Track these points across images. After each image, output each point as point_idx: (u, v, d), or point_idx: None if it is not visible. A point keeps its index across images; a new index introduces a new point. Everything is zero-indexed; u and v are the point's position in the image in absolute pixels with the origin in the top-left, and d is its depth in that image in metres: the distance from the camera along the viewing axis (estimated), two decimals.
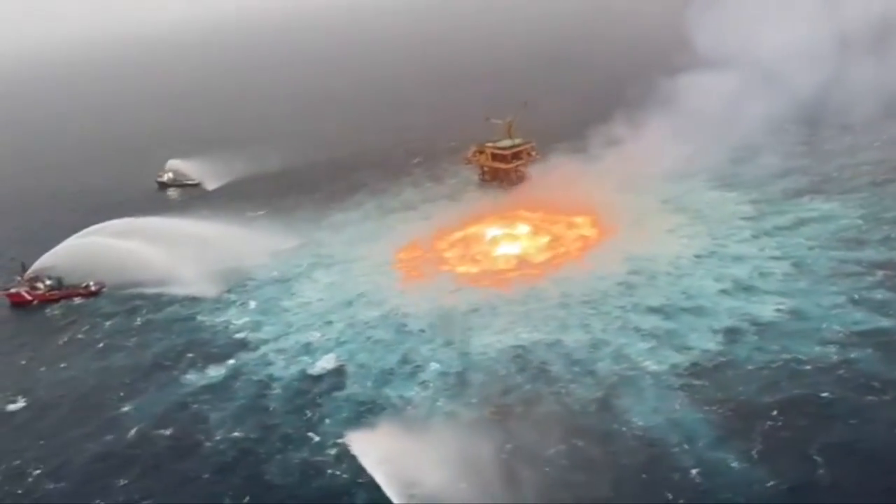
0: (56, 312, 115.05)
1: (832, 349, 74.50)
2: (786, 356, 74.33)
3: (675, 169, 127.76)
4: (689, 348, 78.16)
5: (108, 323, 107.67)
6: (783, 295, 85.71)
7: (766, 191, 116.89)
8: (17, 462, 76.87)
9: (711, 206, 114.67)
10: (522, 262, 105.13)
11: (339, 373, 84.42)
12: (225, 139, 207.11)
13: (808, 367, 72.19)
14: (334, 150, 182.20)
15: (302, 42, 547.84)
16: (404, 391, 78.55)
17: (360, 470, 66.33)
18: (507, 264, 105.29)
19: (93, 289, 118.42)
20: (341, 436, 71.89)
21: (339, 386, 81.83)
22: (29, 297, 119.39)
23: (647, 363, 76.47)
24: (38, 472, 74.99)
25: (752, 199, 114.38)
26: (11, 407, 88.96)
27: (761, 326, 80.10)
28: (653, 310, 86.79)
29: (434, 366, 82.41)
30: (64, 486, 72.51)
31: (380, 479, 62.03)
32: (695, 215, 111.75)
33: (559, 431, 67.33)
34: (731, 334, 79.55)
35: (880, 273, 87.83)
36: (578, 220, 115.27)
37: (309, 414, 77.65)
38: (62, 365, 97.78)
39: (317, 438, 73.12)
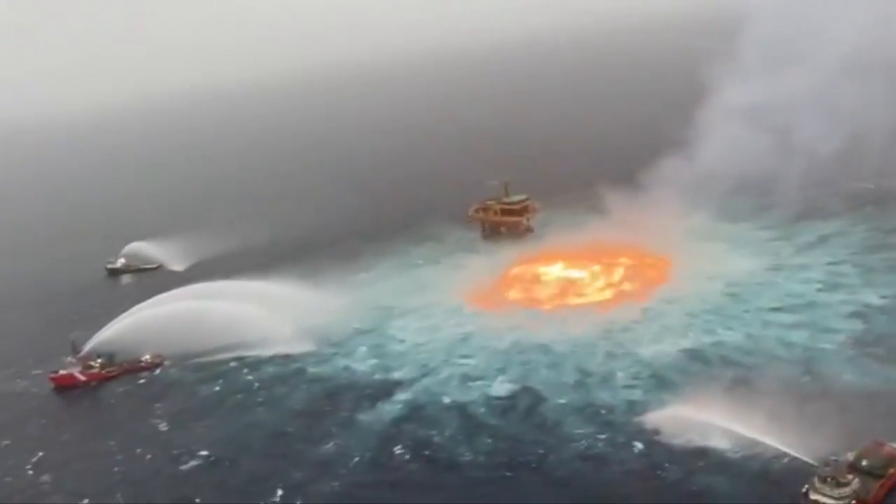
0: (127, 388, 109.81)
1: None
2: None
3: (671, 212, 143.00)
4: (837, 331, 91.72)
5: (204, 389, 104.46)
6: (871, 286, 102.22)
7: (767, 220, 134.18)
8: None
9: (735, 234, 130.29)
10: (616, 291, 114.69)
11: (527, 392, 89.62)
12: (196, 218, 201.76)
13: None
14: (300, 228, 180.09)
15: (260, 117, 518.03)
16: (615, 394, 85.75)
17: (658, 448, 73.71)
18: (601, 295, 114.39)
19: (153, 362, 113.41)
20: (601, 431, 78.09)
21: (541, 399, 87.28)
22: (83, 378, 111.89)
23: (817, 344, 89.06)
24: None
25: (763, 226, 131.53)
26: (193, 462, 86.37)
27: (880, 309, 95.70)
28: (775, 310, 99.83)
29: (620, 374, 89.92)
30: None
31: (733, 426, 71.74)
32: (730, 242, 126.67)
33: (797, 397, 75.91)
34: (861, 316, 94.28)
35: None
36: (630, 254, 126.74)
37: (539, 421, 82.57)
38: (203, 424, 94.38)
39: (576, 434, 78.57)
